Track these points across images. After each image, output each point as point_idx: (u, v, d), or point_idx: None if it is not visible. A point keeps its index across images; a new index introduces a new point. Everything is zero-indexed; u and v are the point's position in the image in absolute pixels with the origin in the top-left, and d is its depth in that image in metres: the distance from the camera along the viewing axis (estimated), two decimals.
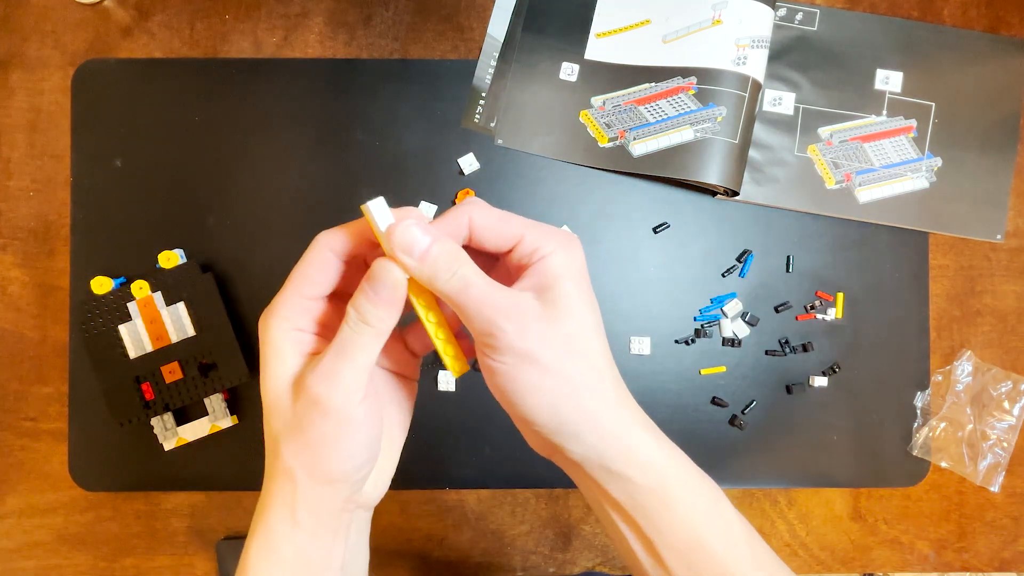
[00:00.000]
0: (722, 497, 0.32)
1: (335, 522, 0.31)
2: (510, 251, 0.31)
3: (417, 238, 0.28)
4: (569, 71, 0.61)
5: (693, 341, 0.60)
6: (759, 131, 0.60)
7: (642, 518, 0.31)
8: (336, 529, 0.31)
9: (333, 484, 0.30)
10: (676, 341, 0.60)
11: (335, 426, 0.29)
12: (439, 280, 0.29)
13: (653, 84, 0.59)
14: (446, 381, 0.59)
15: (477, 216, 0.30)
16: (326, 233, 0.30)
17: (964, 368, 0.61)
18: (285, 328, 0.30)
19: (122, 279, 0.57)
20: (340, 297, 0.32)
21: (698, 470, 0.32)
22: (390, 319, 0.29)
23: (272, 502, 0.30)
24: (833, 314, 0.60)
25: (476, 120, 0.60)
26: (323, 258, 0.30)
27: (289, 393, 0.30)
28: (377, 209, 0.29)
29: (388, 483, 0.34)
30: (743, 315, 0.60)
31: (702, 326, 0.60)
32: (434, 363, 0.59)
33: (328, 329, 0.31)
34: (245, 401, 0.59)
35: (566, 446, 0.30)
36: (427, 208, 0.59)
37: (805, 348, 0.60)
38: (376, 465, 0.32)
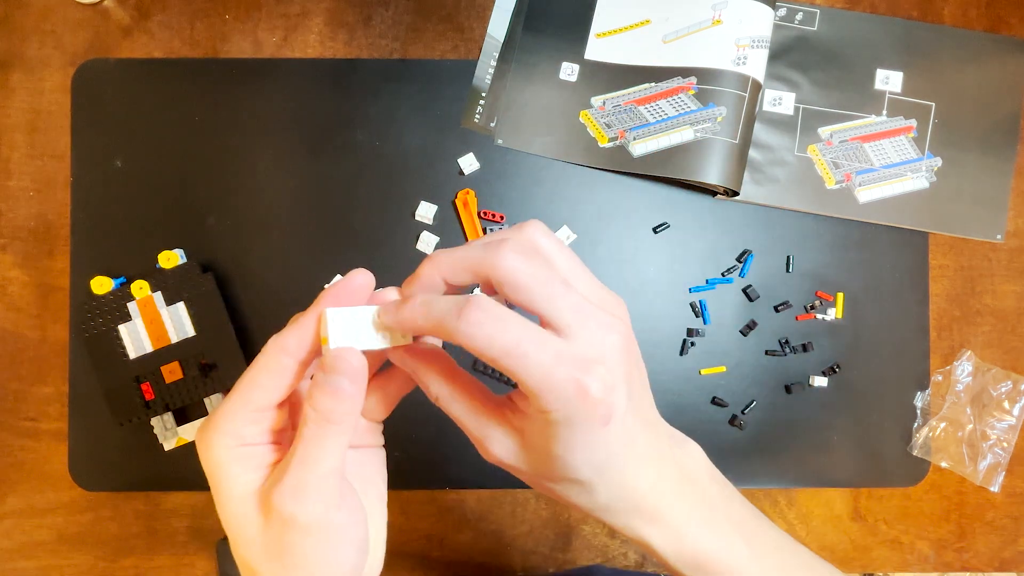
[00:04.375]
0: (730, 547, 0.30)
1: None
2: None
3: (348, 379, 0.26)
4: (569, 71, 0.61)
5: (692, 344, 0.60)
6: (759, 131, 0.60)
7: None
8: None
9: None
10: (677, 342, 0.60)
11: (318, 541, 0.26)
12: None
13: (653, 84, 0.59)
14: None
15: (505, 268, 0.26)
16: (279, 336, 0.27)
17: (964, 368, 0.61)
18: (228, 446, 0.27)
19: (122, 279, 0.57)
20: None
21: (704, 531, 0.30)
22: (355, 411, 0.26)
23: None
24: (833, 314, 0.60)
25: (476, 120, 0.60)
26: (277, 364, 0.27)
27: (254, 516, 0.27)
28: (338, 322, 0.26)
29: (382, 556, 0.32)
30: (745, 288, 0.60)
31: (695, 330, 0.60)
32: None
33: (282, 435, 0.28)
34: None
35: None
36: (427, 208, 0.59)
37: (805, 348, 0.60)
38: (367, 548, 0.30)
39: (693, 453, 0.31)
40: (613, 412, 0.26)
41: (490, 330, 0.24)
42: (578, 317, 0.25)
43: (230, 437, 0.27)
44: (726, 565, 0.29)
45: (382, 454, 0.33)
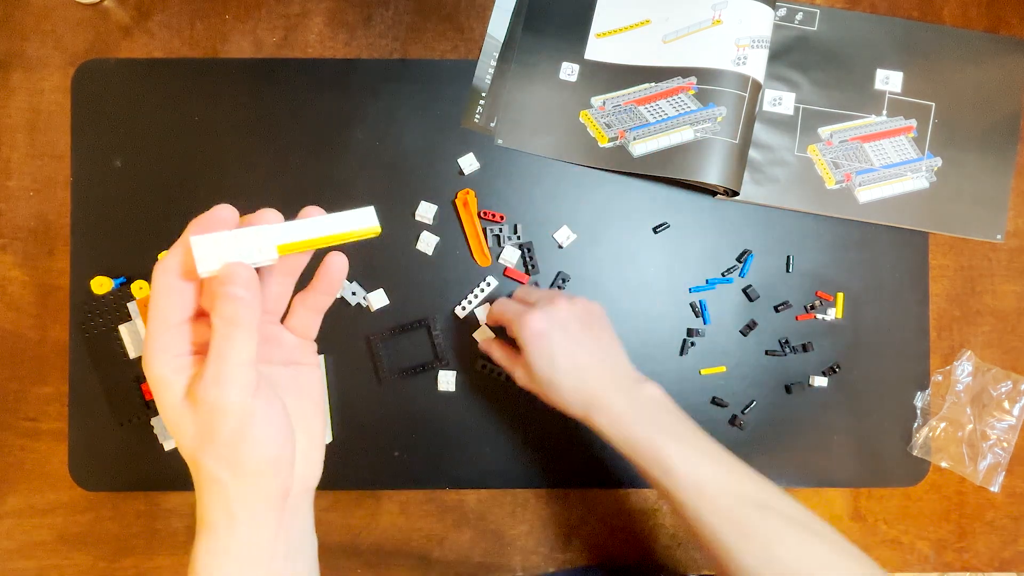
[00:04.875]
0: (717, 457, 0.47)
1: (272, 511, 0.32)
2: None
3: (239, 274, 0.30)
4: (569, 71, 0.61)
5: (692, 344, 0.60)
6: (759, 131, 0.60)
7: (662, 491, 0.47)
8: (274, 518, 0.32)
9: (258, 476, 0.31)
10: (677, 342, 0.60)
11: (238, 422, 0.30)
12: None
13: (653, 84, 0.59)
14: (446, 381, 0.59)
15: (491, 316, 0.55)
16: (162, 259, 0.31)
17: (964, 368, 0.61)
18: (162, 360, 0.31)
19: (122, 279, 0.57)
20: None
21: (694, 442, 0.47)
22: (254, 311, 0.30)
23: (208, 507, 0.31)
24: (833, 314, 0.60)
25: (476, 120, 0.60)
26: (167, 284, 0.31)
27: (186, 411, 0.31)
28: (205, 248, 0.30)
29: (319, 466, 0.35)
30: (745, 288, 0.60)
31: (694, 330, 0.60)
32: (434, 363, 0.59)
33: (201, 346, 0.32)
34: None
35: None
36: (427, 208, 0.59)
37: (805, 348, 0.60)
38: (299, 449, 0.33)
39: (648, 388, 0.49)
40: (548, 333, 0.49)
41: (498, 306, 0.55)
42: (517, 319, 0.51)
43: (160, 353, 0.31)
44: (651, 445, 0.45)
45: (316, 371, 0.37)
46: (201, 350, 0.32)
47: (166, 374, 0.31)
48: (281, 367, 0.35)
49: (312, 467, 0.35)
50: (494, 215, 0.59)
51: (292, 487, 0.33)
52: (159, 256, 0.56)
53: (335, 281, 0.35)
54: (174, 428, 0.31)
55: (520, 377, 0.51)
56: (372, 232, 0.32)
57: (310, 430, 0.35)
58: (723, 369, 0.60)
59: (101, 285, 0.55)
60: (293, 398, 0.34)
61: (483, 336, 0.59)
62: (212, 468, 0.31)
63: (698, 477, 0.44)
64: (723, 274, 0.60)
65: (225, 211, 0.31)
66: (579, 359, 0.49)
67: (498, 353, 0.54)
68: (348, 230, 0.32)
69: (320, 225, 0.32)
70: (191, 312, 0.31)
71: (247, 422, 0.30)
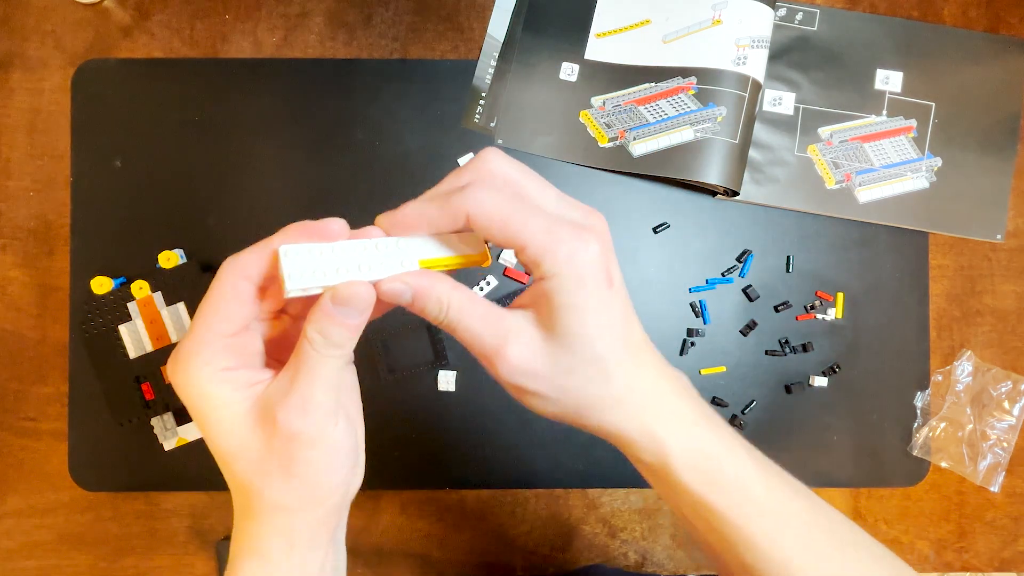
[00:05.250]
0: (732, 454, 0.31)
1: (329, 533, 0.31)
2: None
3: (359, 297, 0.27)
4: (569, 71, 0.61)
5: (692, 344, 0.60)
6: (759, 131, 0.60)
7: (657, 487, 0.32)
8: (329, 539, 0.31)
9: (328, 501, 0.29)
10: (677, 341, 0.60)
11: (322, 454, 0.28)
12: (429, 317, 0.29)
13: (653, 84, 0.59)
14: (446, 381, 0.59)
15: (477, 212, 0.28)
16: (235, 258, 0.28)
17: (964, 368, 0.61)
18: (211, 372, 0.27)
19: (122, 279, 0.57)
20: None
21: (710, 434, 0.31)
22: (357, 338, 0.28)
23: (261, 535, 0.29)
24: (833, 314, 0.60)
25: (476, 120, 0.60)
26: (235, 289, 0.27)
27: (252, 435, 0.27)
28: (299, 258, 0.26)
29: (363, 472, 0.33)
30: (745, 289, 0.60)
31: (694, 330, 0.60)
32: (434, 363, 0.59)
33: (253, 356, 0.29)
34: None
35: (581, 428, 0.31)
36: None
37: (805, 348, 0.60)
38: None
39: (683, 377, 0.33)
40: (614, 278, 0.29)
41: (491, 202, 0.27)
42: (550, 238, 0.27)
43: (208, 365, 0.27)
44: (732, 474, 0.30)
45: (355, 369, 0.34)
46: (252, 362, 0.29)
47: (216, 389, 0.27)
48: None
49: (360, 477, 0.32)
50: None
51: (347, 502, 0.31)
52: (159, 256, 0.56)
53: (427, 293, 0.29)
54: (226, 450, 0.28)
55: (519, 349, 0.29)
56: (482, 259, 0.30)
57: (360, 438, 0.32)
58: (723, 369, 0.60)
59: (101, 285, 0.55)
60: (344, 403, 0.31)
61: (407, 277, 0.29)
62: (278, 497, 0.28)
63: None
64: (723, 274, 0.60)
65: (336, 225, 0.28)
66: (635, 334, 0.31)
67: (469, 310, 0.29)
68: (462, 254, 0.30)
69: (436, 247, 0.29)
70: (246, 323, 0.28)
71: (326, 452, 0.28)
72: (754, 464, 0.31)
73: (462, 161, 0.59)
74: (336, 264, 0.27)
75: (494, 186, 0.28)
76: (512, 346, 0.28)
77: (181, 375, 0.28)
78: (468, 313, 0.28)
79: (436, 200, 0.28)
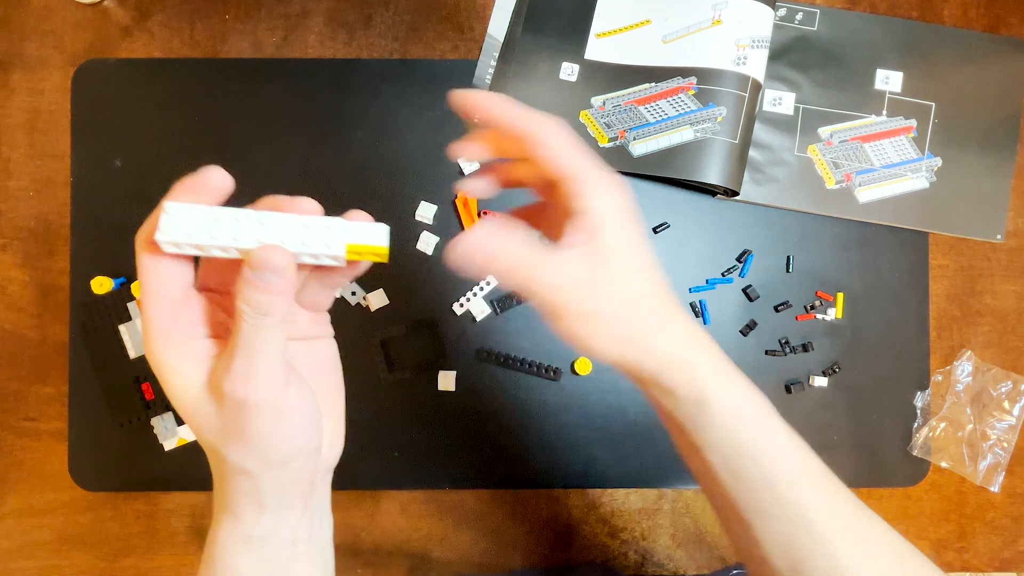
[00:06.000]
0: (768, 410, 0.33)
1: (299, 497, 0.31)
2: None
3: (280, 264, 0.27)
4: (569, 71, 0.61)
5: None
6: (759, 131, 0.60)
7: (689, 426, 0.33)
8: (300, 503, 0.32)
9: (289, 463, 0.30)
10: None
11: (270, 418, 0.28)
12: (486, 273, 0.31)
13: (653, 84, 0.59)
14: (446, 381, 0.59)
15: (550, 136, 0.31)
16: (140, 232, 0.28)
17: (964, 368, 0.61)
18: (167, 345, 0.28)
19: (122, 279, 0.57)
20: (212, 288, 0.31)
21: (746, 385, 0.33)
22: (287, 302, 0.28)
23: (232, 497, 0.30)
24: (833, 314, 0.60)
25: (476, 120, 0.60)
26: (148, 258, 0.28)
27: (208, 403, 0.28)
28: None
29: (341, 441, 0.34)
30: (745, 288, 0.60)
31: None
32: (435, 363, 0.59)
33: (206, 327, 0.30)
34: None
35: (630, 372, 0.33)
36: (427, 208, 0.59)
37: (805, 348, 0.60)
38: (324, 430, 0.32)
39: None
40: (636, 213, 0.33)
41: (561, 135, 0.32)
42: (602, 175, 0.32)
43: (163, 339, 0.28)
44: (761, 418, 0.33)
45: (332, 344, 0.35)
46: (215, 333, 0.30)
47: (173, 361, 0.28)
48: (296, 343, 0.33)
49: (335, 446, 0.34)
50: (494, 215, 0.59)
51: (318, 468, 0.32)
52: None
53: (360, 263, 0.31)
54: (190, 419, 0.29)
55: (565, 274, 0.31)
56: (380, 252, 0.31)
57: (332, 408, 0.33)
58: None
59: (101, 285, 0.55)
60: (312, 375, 0.32)
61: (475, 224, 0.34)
62: (238, 461, 0.29)
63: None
64: (723, 274, 0.60)
65: (217, 175, 0.29)
66: (657, 274, 0.34)
67: (518, 244, 0.31)
68: (363, 242, 0.30)
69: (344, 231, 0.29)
70: (187, 283, 0.29)
71: (276, 417, 0.28)
72: (778, 418, 0.33)
73: (462, 162, 0.59)
74: (212, 229, 0.27)
75: (560, 127, 0.32)
76: (565, 295, 0.31)
77: (148, 351, 0.29)
78: (519, 272, 0.31)
79: (512, 107, 0.32)
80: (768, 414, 0.33)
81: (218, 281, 0.31)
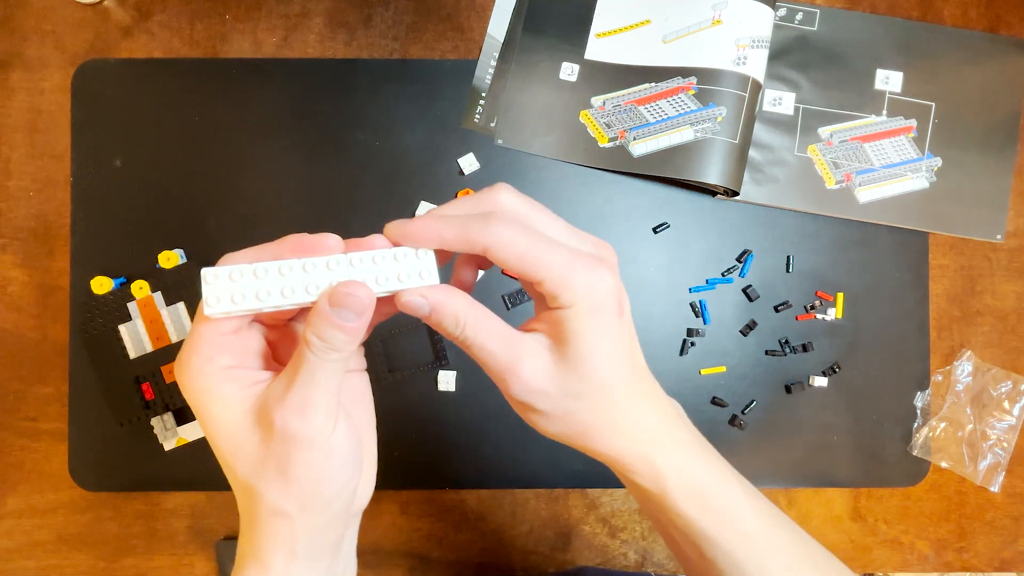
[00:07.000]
0: (733, 494, 0.33)
1: (332, 544, 0.30)
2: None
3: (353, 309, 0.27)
4: (569, 71, 0.61)
5: (692, 344, 0.60)
6: (759, 131, 0.60)
7: (654, 508, 0.33)
8: (331, 550, 0.30)
9: (328, 508, 0.29)
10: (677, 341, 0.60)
11: (320, 457, 0.27)
12: (445, 332, 0.29)
13: (653, 84, 0.59)
14: (446, 381, 0.59)
15: (497, 244, 0.28)
16: (230, 257, 0.28)
17: (964, 368, 0.61)
18: (215, 369, 0.28)
19: (122, 279, 0.57)
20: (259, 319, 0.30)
21: (713, 470, 0.32)
22: (358, 340, 0.27)
23: (263, 542, 0.29)
24: (833, 314, 0.60)
25: (476, 120, 0.60)
26: None
27: (251, 434, 0.27)
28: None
29: (374, 481, 0.33)
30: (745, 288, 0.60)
31: (694, 330, 0.60)
32: (434, 363, 0.59)
33: (255, 357, 0.29)
34: None
35: (582, 450, 0.32)
36: (427, 208, 0.59)
37: (805, 348, 0.60)
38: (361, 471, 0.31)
39: (678, 405, 0.34)
40: (624, 307, 0.30)
41: (511, 236, 0.28)
42: (568, 271, 0.28)
43: (210, 363, 0.27)
44: (724, 503, 0.32)
45: (366, 377, 0.34)
46: (251, 362, 0.29)
47: (220, 386, 0.27)
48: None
49: (368, 485, 0.32)
50: None
51: (353, 512, 0.31)
52: (159, 256, 0.56)
53: (445, 309, 0.30)
54: (228, 451, 0.28)
55: (531, 369, 0.30)
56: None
57: (370, 448, 0.32)
58: (723, 369, 0.60)
59: (101, 285, 0.56)
60: (350, 410, 0.31)
61: (427, 290, 0.30)
62: (276, 501, 0.28)
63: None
64: (723, 274, 0.60)
65: (332, 240, 0.28)
66: (639, 363, 0.32)
67: (485, 328, 0.29)
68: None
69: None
70: (246, 320, 0.29)
71: (324, 455, 0.27)
72: (745, 495, 0.33)
73: (462, 161, 0.59)
74: (256, 288, 0.27)
75: (510, 220, 0.29)
76: (525, 366, 0.29)
77: (184, 373, 0.28)
78: (484, 330, 0.29)
79: (453, 223, 0.29)
80: (734, 499, 0.32)
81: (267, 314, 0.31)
